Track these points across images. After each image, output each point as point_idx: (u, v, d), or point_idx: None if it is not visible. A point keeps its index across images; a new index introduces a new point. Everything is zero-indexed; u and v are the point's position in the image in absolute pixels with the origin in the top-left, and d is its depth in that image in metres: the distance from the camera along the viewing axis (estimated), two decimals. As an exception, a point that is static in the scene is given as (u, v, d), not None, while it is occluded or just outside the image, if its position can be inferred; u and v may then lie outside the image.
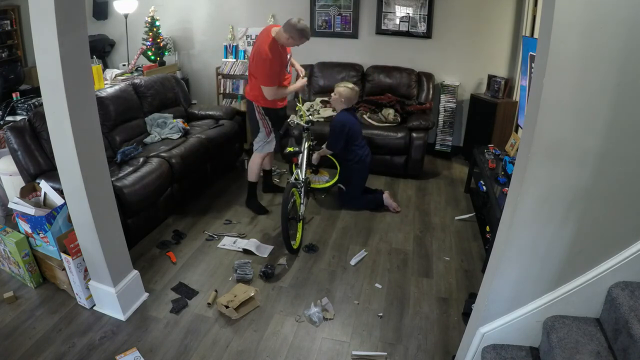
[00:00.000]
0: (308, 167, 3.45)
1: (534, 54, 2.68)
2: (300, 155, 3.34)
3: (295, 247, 2.98)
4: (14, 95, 3.90)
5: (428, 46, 4.73)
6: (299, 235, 3.09)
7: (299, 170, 3.26)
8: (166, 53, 5.19)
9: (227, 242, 3.15)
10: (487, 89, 4.56)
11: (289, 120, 3.50)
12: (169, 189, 3.42)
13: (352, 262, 2.92)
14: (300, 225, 3.14)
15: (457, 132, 4.95)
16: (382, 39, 4.83)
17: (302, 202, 3.19)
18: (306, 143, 3.47)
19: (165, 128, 3.98)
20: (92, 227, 2.15)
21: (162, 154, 3.47)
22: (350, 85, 3.49)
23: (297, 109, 3.55)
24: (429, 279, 2.81)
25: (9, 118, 3.63)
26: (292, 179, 3.19)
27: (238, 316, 2.42)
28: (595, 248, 1.54)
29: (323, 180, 3.99)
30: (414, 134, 4.15)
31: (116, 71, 4.87)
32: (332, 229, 3.38)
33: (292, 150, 3.27)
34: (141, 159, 3.35)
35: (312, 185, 3.79)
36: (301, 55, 5.05)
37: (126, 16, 4.93)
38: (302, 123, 3.44)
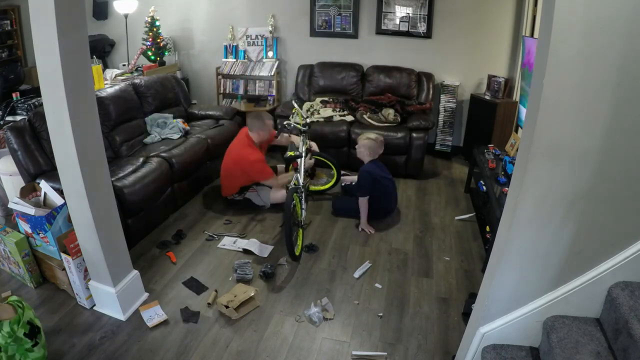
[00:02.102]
0: (305, 172, 3.43)
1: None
2: (300, 159, 3.31)
3: (297, 253, 2.92)
4: (14, 95, 3.90)
5: (428, 46, 4.73)
6: (299, 242, 3.05)
7: (298, 175, 3.22)
8: (166, 53, 5.19)
9: (227, 242, 3.15)
10: (487, 89, 4.56)
11: (285, 122, 3.50)
12: (169, 189, 3.43)
13: (356, 274, 2.83)
14: (300, 231, 3.10)
15: (457, 132, 4.95)
16: (382, 39, 4.83)
17: (302, 207, 3.18)
18: (304, 147, 3.46)
19: (165, 128, 3.98)
20: (92, 227, 2.15)
21: (162, 154, 3.47)
22: (374, 136, 3.42)
23: (293, 110, 3.52)
24: (429, 279, 2.81)
25: (9, 118, 3.63)
26: (292, 184, 3.17)
27: (238, 316, 2.43)
28: (595, 248, 1.54)
29: (321, 183, 3.99)
30: (414, 134, 4.15)
31: (116, 71, 4.87)
32: (332, 229, 3.38)
33: (292, 154, 3.23)
34: (141, 159, 3.35)
35: (311, 189, 3.78)
36: (301, 55, 5.08)
37: (126, 16, 4.93)
38: (299, 126, 3.42)
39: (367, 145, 3.38)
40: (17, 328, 1.73)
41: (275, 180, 3.48)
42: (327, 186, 3.91)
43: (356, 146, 3.49)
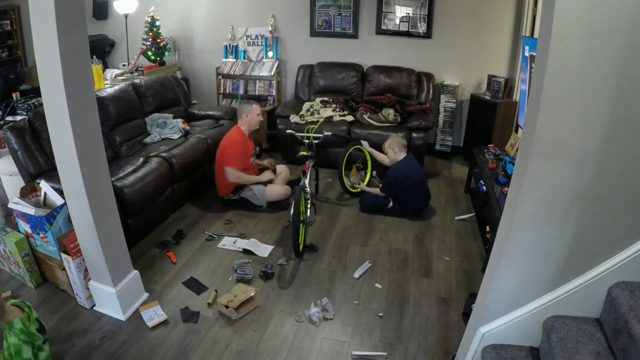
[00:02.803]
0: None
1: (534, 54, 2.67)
2: (309, 161, 3.35)
3: (300, 250, 2.94)
4: (14, 95, 3.90)
5: (428, 46, 4.73)
6: (301, 239, 3.04)
7: (306, 180, 3.21)
8: (166, 53, 5.19)
9: (227, 242, 3.15)
10: (487, 89, 4.56)
11: (287, 131, 3.53)
12: (169, 189, 3.43)
13: (356, 274, 2.83)
14: (303, 228, 3.08)
15: (457, 132, 4.95)
16: (382, 39, 4.83)
17: (307, 206, 3.17)
18: (311, 166, 3.42)
19: (165, 128, 3.98)
20: (92, 227, 2.15)
21: (162, 154, 3.47)
22: (393, 134, 3.70)
23: (304, 134, 3.63)
24: (429, 279, 2.81)
25: (9, 118, 3.63)
26: (301, 184, 3.16)
27: (238, 316, 2.43)
28: (595, 248, 1.54)
29: (361, 183, 3.92)
30: (414, 134, 4.15)
31: (116, 71, 4.87)
32: (332, 229, 3.38)
33: (304, 154, 3.31)
34: (141, 159, 3.35)
35: (354, 190, 3.84)
36: (301, 55, 5.08)
37: (126, 16, 4.93)
38: (305, 149, 3.43)
39: (391, 142, 3.56)
40: (28, 324, 1.75)
41: (234, 173, 3.41)
42: (359, 189, 3.87)
43: (385, 150, 3.62)
